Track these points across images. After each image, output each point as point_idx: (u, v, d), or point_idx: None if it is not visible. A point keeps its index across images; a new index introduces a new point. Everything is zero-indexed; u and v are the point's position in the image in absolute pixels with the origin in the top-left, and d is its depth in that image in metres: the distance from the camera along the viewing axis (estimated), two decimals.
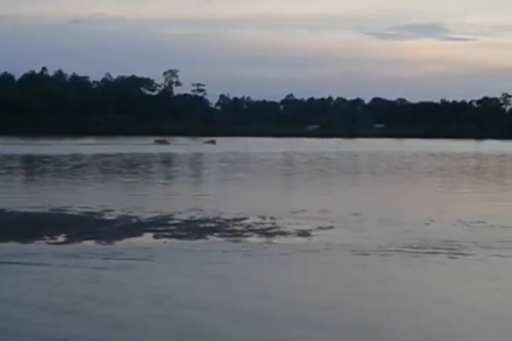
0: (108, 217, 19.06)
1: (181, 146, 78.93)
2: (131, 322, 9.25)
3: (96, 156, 55.88)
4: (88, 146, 74.32)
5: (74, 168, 43.43)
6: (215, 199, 24.66)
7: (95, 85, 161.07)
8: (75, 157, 54.42)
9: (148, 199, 24.40)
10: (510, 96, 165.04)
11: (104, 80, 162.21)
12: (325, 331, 9.00)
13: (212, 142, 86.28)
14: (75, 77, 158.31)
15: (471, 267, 13.00)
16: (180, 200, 24.48)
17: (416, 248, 14.66)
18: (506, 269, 13.07)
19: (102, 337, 8.65)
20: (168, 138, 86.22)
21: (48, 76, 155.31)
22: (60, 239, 15.50)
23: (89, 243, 15.08)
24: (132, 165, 46.13)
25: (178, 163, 53.41)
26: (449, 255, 14.00)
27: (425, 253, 14.19)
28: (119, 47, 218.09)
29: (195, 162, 54.90)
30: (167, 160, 56.10)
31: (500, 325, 9.40)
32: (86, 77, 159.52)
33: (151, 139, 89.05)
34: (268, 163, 49.99)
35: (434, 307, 10.12)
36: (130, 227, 17.22)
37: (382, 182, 33.60)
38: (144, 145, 79.86)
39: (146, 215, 19.21)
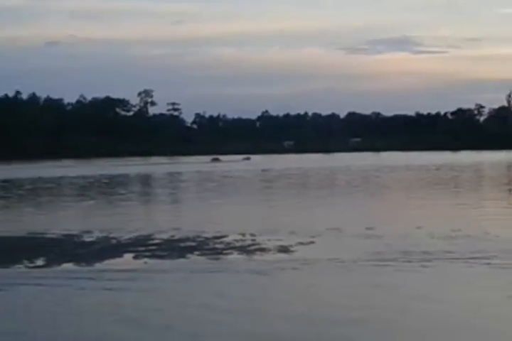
0: (87, 238, 18.97)
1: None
2: None
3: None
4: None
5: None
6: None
7: (70, 107, 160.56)
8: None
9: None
10: (483, 107, 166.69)
11: (78, 102, 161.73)
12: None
13: (248, 159, 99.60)
14: (49, 99, 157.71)
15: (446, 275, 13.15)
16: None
17: (396, 259, 14.75)
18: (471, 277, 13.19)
19: None
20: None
21: (22, 99, 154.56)
22: (39, 262, 15.40)
23: (69, 265, 14.99)
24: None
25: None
26: (424, 264, 14.13)
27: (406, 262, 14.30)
28: (93, 68, 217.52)
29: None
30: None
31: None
32: (60, 99, 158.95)
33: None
34: (251, 180, 50.08)
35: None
36: (110, 248, 17.16)
37: (356, 196, 33.71)
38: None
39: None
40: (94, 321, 10.49)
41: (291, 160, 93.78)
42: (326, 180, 50.37)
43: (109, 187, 45.15)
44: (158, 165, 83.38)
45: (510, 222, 21.98)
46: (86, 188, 44.93)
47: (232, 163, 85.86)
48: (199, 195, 37.61)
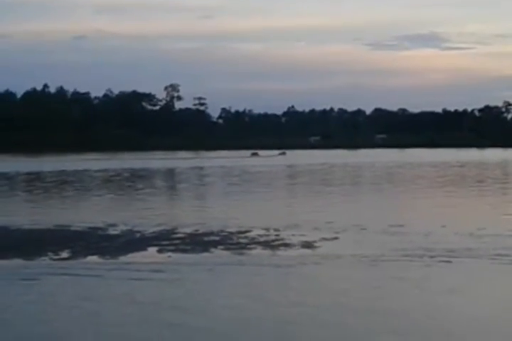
0: (112, 232, 19.12)
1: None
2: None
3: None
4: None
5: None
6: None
7: (97, 101, 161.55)
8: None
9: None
10: (511, 104, 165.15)
11: (105, 96, 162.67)
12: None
13: (284, 154, 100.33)
14: (76, 93, 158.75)
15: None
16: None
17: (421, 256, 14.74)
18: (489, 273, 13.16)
19: None
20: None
21: (49, 92, 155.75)
22: (64, 254, 15.56)
23: (93, 258, 15.13)
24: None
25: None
26: (448, 261, 14.13)
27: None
28: (120, 62, 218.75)
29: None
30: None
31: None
32: (87, 93, 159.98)
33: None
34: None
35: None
36: (134, 242, 17.28)
37: (379, 193, 33.60)
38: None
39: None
40: (114, 309, 10.64)
41: (318, 155, 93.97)
42: (351, 176, 50.28)
43: (130, 181, 45.27)
44: (191, 160, 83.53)
45: None
46: (107, 182, 45.16)
47: (269, 158, 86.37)
48: (225, 189, 37.70)
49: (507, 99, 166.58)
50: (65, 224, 20.63)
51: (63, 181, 45.81)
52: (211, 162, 76.33)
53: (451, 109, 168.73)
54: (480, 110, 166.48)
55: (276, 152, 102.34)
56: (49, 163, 71.99)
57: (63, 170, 57.22)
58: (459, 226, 19.35)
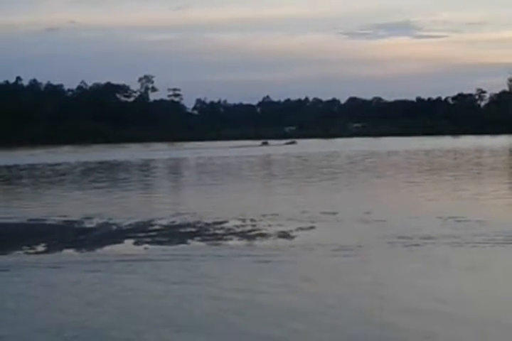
0: (88, 225, 19.01)
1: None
2: None
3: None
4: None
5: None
6: None
7: (70, 93, 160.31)
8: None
9: None
10: (484, 92, 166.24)
11: (79, 88, 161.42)
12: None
13: (294, 143, 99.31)
14: (49, 85, 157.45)
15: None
16: None
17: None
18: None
19: None
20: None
21: (22, 85, 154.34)
22: (40, 248, 15.45)
23: (70, 251, 15.05)
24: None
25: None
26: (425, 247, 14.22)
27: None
28: (93, 54, 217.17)
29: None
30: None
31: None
32: (61, 85, 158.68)
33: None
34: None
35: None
36: (110, 234, 17.20)
37: (352, 181, 33.71)
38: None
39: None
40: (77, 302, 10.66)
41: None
42: (313, 165, 50.43)
43: (89, 175, 44.02)
44: (166, 151, 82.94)
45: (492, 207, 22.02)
46: (67, 175, 44.04)
47: (277, 147, 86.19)
48: (199, 180, 37.58)
49: (480, 87, 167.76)
50: (38, 218, 20.47)
51: (16, 176, 44.74)
52: (192, 153, 75.84)
53: (425, 97, 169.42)
54: (453, 98, 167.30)
55: (283, 141, 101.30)
56: (11, 157, 70.61)
57: (16, 165, 55.51)
58: (431, 214, 19.50)
